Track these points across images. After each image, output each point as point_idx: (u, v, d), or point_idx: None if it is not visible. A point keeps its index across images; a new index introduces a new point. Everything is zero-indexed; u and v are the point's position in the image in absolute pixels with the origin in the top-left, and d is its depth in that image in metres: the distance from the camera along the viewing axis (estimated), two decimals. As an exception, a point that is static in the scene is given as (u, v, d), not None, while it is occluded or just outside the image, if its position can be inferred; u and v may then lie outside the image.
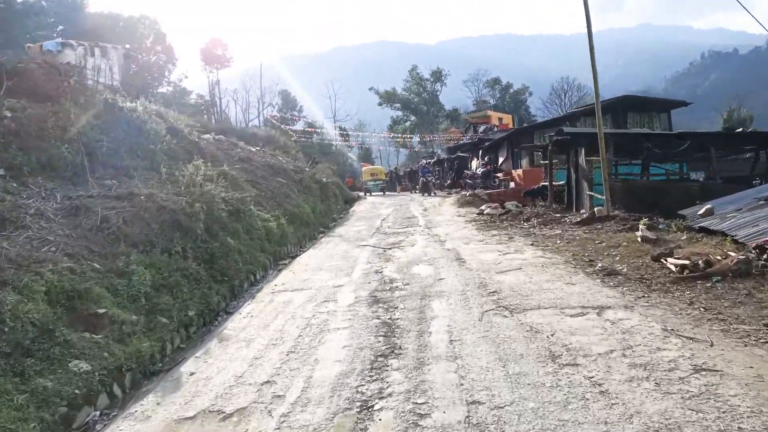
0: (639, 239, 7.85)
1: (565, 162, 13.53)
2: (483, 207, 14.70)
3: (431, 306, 5.80)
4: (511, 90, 78.08)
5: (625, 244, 8.02)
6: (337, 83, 64.91)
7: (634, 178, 14.40)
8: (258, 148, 19.30)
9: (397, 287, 6.83)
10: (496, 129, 40.05)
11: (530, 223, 11.48)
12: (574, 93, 77.86)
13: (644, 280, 6.23)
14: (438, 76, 68.02)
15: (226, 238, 8.84)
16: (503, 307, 5.52)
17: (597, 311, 5.19)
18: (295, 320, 5.71)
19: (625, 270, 6.72)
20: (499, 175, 22.64)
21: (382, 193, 31.22)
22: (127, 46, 20.14)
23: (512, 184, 20.28)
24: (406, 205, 20.56)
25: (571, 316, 5.10)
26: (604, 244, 8.24)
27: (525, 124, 44.84)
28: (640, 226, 8.36)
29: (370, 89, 66.29)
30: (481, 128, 42.39)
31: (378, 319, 5.50)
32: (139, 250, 6.89)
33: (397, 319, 5.44)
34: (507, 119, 52.72)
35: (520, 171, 21.04)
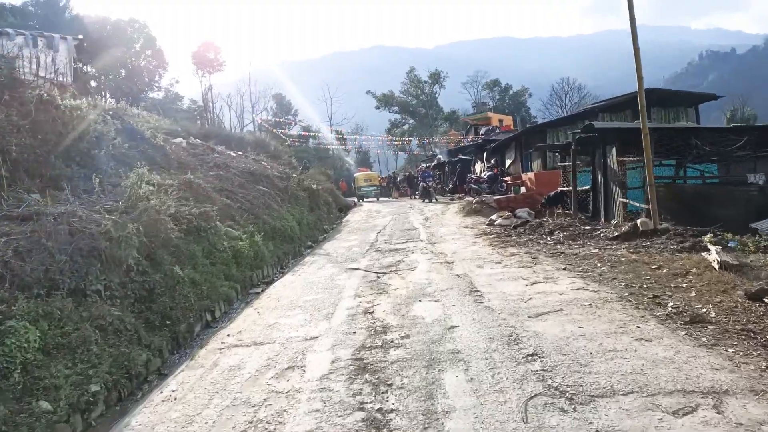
0: (715, 265, 5.87)
1: (588, 164, 11.59)
2: (493, 217, 12.70)
3: (443, 383, 3.81)
4: (511, 92, 76.74)
5: (694, 270, 6.03)
6: (335, 88, 63.12)
7: (666, 180, 12.41)
8: (240, 152, 17.34)
9: (392, 342, 4.84)
10: (498, 130, 38.13)
11: (554, 237, 9.49)
12: (575, 94, 76.75)
13: (752, 335, 4.25)
14: (436, 78, 66.32)
15: (174, 267, 6.86)
16: (556, 389, 3.53)
17: (712, 401, 3.21)
18: (236, 410, 3.71)
19: (713, 314, 4.74)
20: (507, 179, 20.57)
21: (375, 199, 29.87)
22: (80, 36, 18.15)
23: (523, 189, 18.22)
24: (405, 213, 18.60)
25: (674, 413, 3.11)
26: (664, 271, 6.25)
27: (528, 125, 42.97)
28: (710, 246, 6.39)
29: (367, 92, 64.50)
30: (483, 130, 40.47)
31: (361, 410, 3.51)
32: (32, 294, 4.91)
33: (391, 411, 3.45)
34: (508, 121, 50.83)
35: (531, 174, 19.08)
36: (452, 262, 8.49)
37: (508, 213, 12.52)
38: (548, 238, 9.50)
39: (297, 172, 19.05)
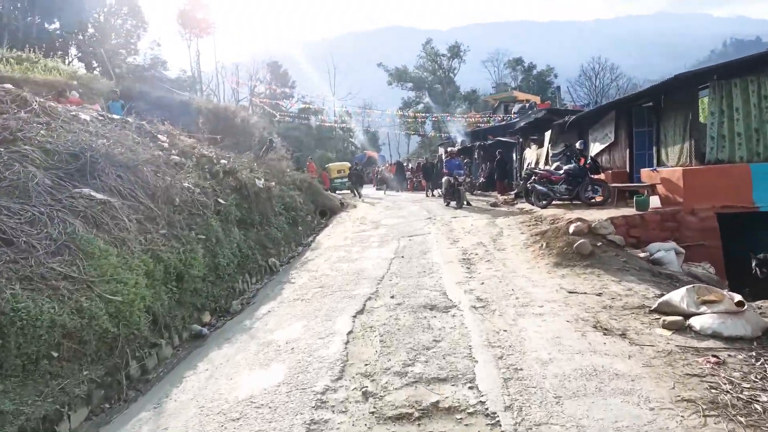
0: None
1: None
2: (676, 298, 4.36)
3: None
4: (535, 71, 67.57)
5: None
6: (339, 59, 54.22)
7: None
8: (100, 115, 9.08)
9: None
10: (535, 107, 29.40)
11: None
12: (607, 74, 67.62)
13: None
14: (456, 51, 57.15)
15: None
16: None
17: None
18: None
19: None
20: (601, 176, 11.14)
21: (349, 191, 25.50)
22: None
23: (655, 201, 9.36)
24: (420, 234, 10.16)
25: None
26: None
27: (564, 107, 34.19)
28: None
29: (378, 65, 55.49)
30: (515, 107, 31.83)
31: None
32: None
33: None
34: (535, 100, 42.12)
35: (674, 172, 8.99)
36: None
37: (738, 298, 4.15)
38: None
39: (238, 157, 10.76)
